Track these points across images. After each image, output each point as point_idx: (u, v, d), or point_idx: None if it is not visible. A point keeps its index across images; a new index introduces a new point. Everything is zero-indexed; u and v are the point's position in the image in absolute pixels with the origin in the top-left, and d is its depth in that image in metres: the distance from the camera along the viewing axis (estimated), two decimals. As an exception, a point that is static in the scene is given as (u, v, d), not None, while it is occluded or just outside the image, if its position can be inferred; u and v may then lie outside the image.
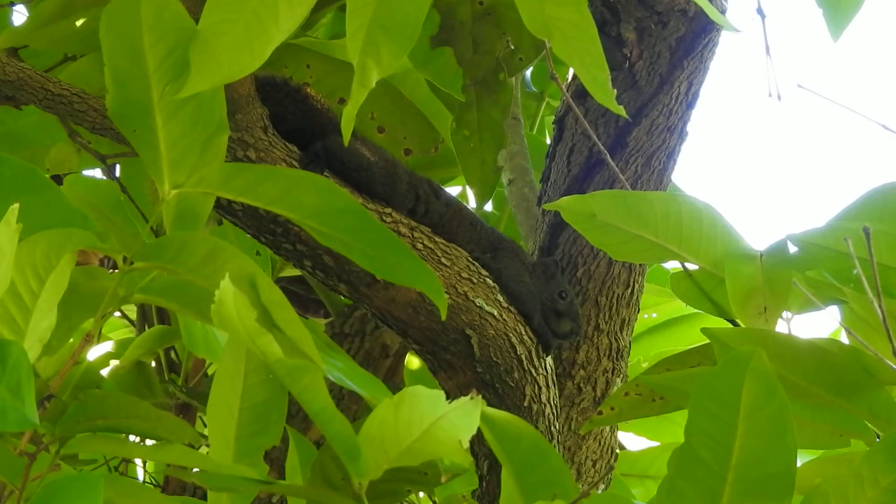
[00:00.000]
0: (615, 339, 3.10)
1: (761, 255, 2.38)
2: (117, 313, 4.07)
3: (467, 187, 3.38)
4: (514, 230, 3.52)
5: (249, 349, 1.95)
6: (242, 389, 2.05)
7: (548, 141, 3.62)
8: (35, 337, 1.93)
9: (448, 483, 2.04)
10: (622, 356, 3.12)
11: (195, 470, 2.02)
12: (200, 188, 2.10)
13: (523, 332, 2.80)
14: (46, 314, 1.94)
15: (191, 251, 2.03)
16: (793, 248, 2.36)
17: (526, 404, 2.78)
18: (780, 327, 2.34)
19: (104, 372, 3.72)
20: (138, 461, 3.99)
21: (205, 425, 3.69)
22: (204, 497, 2.15)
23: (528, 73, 4.01)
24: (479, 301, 2.77)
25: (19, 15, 3.31)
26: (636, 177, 3.11)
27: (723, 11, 3.14)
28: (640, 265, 3.14)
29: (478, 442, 2.74)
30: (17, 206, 1.89)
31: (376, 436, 1.87)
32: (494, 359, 2.76)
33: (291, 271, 3.69)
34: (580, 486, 2.97)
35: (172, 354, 3.93)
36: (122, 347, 3.82)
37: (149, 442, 2.35)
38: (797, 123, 7.84)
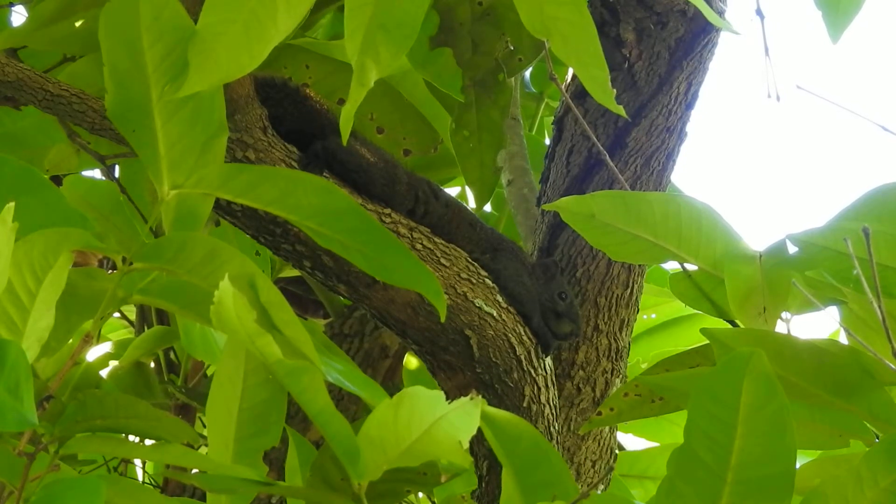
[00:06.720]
0: (614, 339, 3.10)
1: (760, 256, 2.38)
2: (116, 314, 4.07)
3: (466, 188, 3.37)
4: (514, 231, 3.52)
5: (249, 350, 1.94)
6: (242, 390, 2.05)
7: (547, 141, 3.62)
8: (33, 337, 1.92)
9: (447, 483, 2.03)
10: (621, 357, 3.12)
11: (194, 471, 2.02)
12: (199, 189, 2.10)
13: (522, 333, 2.79)
14: (44, 314, 1.93)
15: (190, 252, 2.03)
16: (792, 249, 2.35)
17: (525, 405, 2.77)
18: (780, 328, 2.33)
19: (103, 372, 3.72)
20: (138, 462, 3.99)
21: (204, 426, 3.69)
22: (203, 498, 2.15)
23: (528, 73, 4.01)
24: (478, 301, 2.76)
25: (19, 15, 3.31)
26: (635, 177, 3.11)
27: (721, 12, 3.13)
28: (640, 266, 3.14)
29: (477, 442, 2.73)
30: (12, 204, 1.88)
31: (376, 436, 1.87)
32: (494, 359, 2.76)
33: (291, 272, 3.69)
34: (579, 487, 2.97)
35: (172, 355, 3.92)
36: (121, 348, 3.82)
37: (148, 442, 2.35)
38: (796, 124, 7.85)
